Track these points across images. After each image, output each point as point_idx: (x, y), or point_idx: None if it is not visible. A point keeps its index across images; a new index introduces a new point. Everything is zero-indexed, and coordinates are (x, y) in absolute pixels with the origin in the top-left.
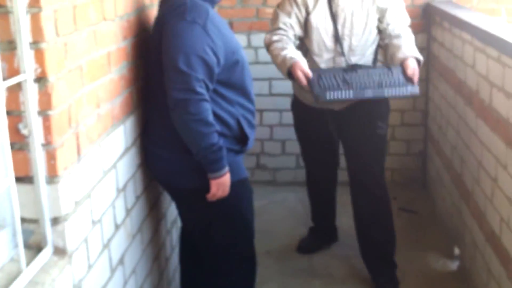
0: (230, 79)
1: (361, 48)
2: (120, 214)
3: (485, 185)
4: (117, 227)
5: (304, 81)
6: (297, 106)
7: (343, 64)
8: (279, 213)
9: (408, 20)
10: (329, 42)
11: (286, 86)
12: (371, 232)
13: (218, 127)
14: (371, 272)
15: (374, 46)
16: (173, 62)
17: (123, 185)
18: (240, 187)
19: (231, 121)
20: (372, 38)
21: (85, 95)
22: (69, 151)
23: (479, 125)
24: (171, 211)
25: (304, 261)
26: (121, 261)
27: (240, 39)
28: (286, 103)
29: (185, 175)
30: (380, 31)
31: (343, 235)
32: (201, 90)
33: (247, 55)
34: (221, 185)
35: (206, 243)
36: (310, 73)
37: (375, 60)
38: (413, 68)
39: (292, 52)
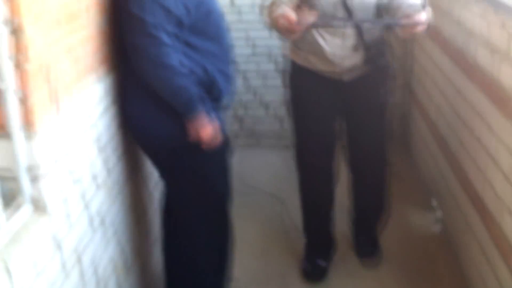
0: (203, 29)
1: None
2: (101, 173)
3: (470, 146)
4: (98, 187)
5: (287, 22)
6: (300, 77)
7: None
8: (264, 176)
9: None
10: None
11: (270, 47)
12: (368, 211)
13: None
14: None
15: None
16: (129, 7)
17: (104, 144)
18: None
19: (201, 71)
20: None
21: (63, 49)
22: (47, 106)
23: (465, 84)
24: (154, 173)
25: (289, 224)
26: (102, 222)
27: None
28: (270, 65)
29: (155, 131)
30: None
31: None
32: (159, 34)
33: (230, 15)
34: (198, 127)
35: (174, 200)
36: (294, 17)
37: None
38: (418, 19)
39: (281, 10)
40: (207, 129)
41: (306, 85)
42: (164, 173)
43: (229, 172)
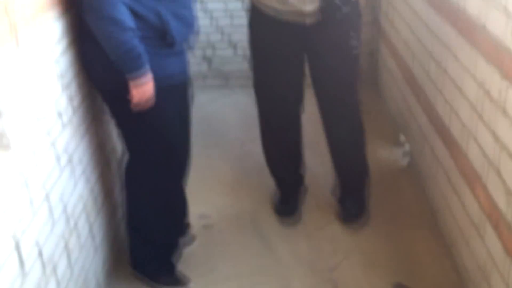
0: None
1: None
2: (67, 111)
3: (437, 78)
4: (64, 125)
5: None
6: (259, 20)
7: None
8: (232, 115)
9: None
10: None
11: None
12: (347, 163)
13: (138, 26)
14: (341, 196)
15: None
16: None
17: (69, 81)
18: (162, 91)
19: (151, 15)
20: None
21: None
22: (6, 38)
23: (432, 17)
24: None
25: (257, 160)
26: (70, 160)
27: None
28: (237, 3)
29: (104, 74)
30: None
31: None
32: None
33: None
34: (139, 87)
35: (127, 145)
36: None
37: None
38: None
39: None
40: (147, 91)
41: (265, 29)
42: (116, 118)
43: (186, 119)
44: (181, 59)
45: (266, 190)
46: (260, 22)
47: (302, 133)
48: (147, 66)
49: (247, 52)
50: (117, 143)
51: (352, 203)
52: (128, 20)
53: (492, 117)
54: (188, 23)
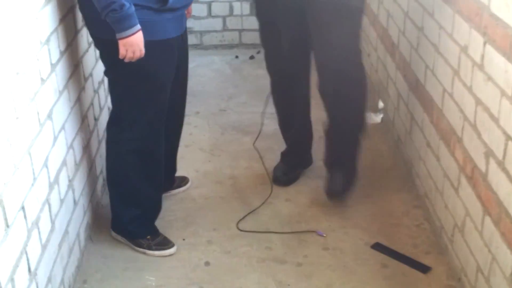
0: None
1: None
2: (45, 68)
3: (411, 35)
4: (42, 81)
5: None
6: None
7: None
8: (207, 75)
9: None
10: None
11: None
12: (343, 120)
13: None
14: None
15: None
16: None
17: (46, 38)
18: (150, 48)
19: None
20: None
21: None
22: None
23: None
24: (98, 71)
25: (234, 119)
26: (49, 116)
27: None
28: None
29: (93, 23)
30: None
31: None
32: None
33: None
34: (128, 45)
35: (112, 94)
36: None
37: None
38: None
39: None
40: (137, 49)
41: None
42: (106, 65)
43: (180, 78)
44: (178, 22)
45: (244, 150)
46: None
47: (310, 86)
48: (137, 27)
49: (221, 12)
50: (95, 97)
51: (339, 176)
52: None
53: (468, 73)
54: None
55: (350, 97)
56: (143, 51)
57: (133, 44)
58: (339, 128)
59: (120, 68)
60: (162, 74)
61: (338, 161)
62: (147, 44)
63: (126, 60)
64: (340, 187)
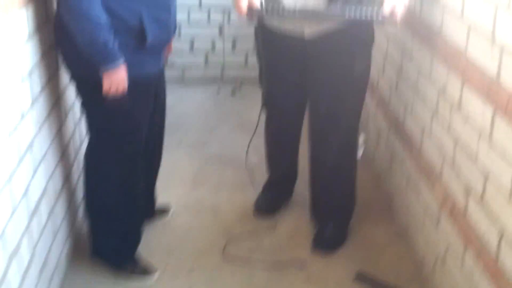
0: None
1: None
2: (26, 102)
3: (390, 75)
4: (23, 116)
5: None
6: (262, 31)
7: None
8: (189, 109)
9: None
10: None
11: None
12: (330, 194)
13: (113, 22)
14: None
15: None
16: None
17: (28, 72)
18: (134, 86)
19: (130, 17)
20: None
21: None
22: None
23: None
24: (79, 104)
25: (216, 151)
26: (30, 148)
27: None
28: (195, 1)
29: (74, 62)
30: None
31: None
32: None
33: None
34: (112, 79)
35: (89, 127)
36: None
37: None
38: (392, 5)
39: None
40: (120, 83)
41: (268, 42)
42: (83, 101)
43: (158, 114)
44: (156, 59)
45: (226, 181)
46: (264, 33)
47: (301, 136)
48: (121, 60)
49: (203, 47)
50: (76, 129)
51: (329, 233)
52: (103, 17)
53: (446, 114)
54: (168, 28)
55: (338, 159)
56: (126, 85)
57: (117, 78)
58: (328, 203)
59: (96, 105)
60: (138, 111)
61: (327, 215)
62: (131, 81)
63: (110, 96)
64: (330, 243)
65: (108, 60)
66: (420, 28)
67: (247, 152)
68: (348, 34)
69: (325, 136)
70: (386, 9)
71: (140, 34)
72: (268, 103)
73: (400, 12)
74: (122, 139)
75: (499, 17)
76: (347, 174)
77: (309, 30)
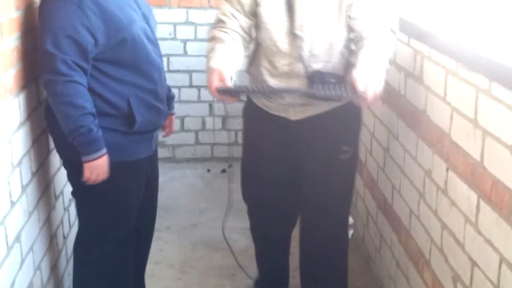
0: (118, 58)
1: (326, 52)
2: (16, 190)
3: (378, 155)
4: (12, 204)
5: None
6: (251, 110)
7: (300, 71)
8: (179, 189)
9: (388, 23)
10: (284, 43)
11: (183, 62)
12: (320, 284)
13: (101, 106)
14: None
15: (341, 48)
16: (42, 44)
17: (19, 160)
18: (118, 169)
19: (119, 101)
20: (341, 39)
21: None
22: None
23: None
24: (69, 188)
25: (205, 235)
26: (17, 239)
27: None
28: (184, 79)
29: (61, 145)
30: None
31: None
32: (68, 71)
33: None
34: (93, 168)
35: (79, 217)
36: (226, 81)
37: (347, 66)
38: (364, 83)
39: (218, 57)
40: (101, 172)
41: (255, 119)
42: (72, 186)
43: (147, 198)
44: (147, 144)
45: (215, 265)
46: (251, 112)
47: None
48: (103, 150)
49: (194, 126)
50: (64, 216)
51: None
52: (89, 105)
53: (433, 197)
54: (160, 114)
55: (329, 252)
56: (107, 174)
57: (98, 167)
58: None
59: (87, 189)
60: (129, 195)
61: None
62: (115, 165)
63: (90, 183)
64: None
65: (91, 150)
66: (405, 109)
67: (223, 233)
68: (335, 117)
69: (314, 224)
70: (359, 87)
71: (129, 118)
72: (249, 196)
73: (373, 90)
74: (112, 223)
75: (480, 101)
76: (337, 264)
77: (294, 113)
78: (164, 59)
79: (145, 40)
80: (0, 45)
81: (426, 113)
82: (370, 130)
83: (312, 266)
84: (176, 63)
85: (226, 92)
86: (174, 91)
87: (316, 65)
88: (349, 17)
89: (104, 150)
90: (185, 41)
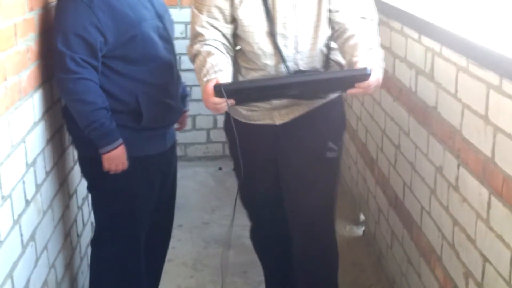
0: (128, 55)
1: (310, 47)
2: (30, 189)
3: (389, 152)
4: (27, 202)
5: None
6: (232, 125)
7: (285, 71)
8: (191, 187)
9: (370, 12)
10: (266, 43)
11: None
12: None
13: (110, 102)
14: None
15: (322, 45)
16: (54, 42)
17: (33, 160)
18: (130, 164)
19: (127, 97)
20: (324, 33)
21: None
22: None
23: (382, 95)
24: (82, 187)
25: (218, 232)
26: (32, 237)
27: None
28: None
29: (77, 140)
30: (332, 25)
31: None
32: (78, 68)
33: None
34: (111, 159)
35: (94, 213)
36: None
37: (327, 62)
38: (367, 85)
39: (212, 69)
40: (119, 163)
41: (237, 134)
42: (89, 181)
43: (165, 197)
44: (160, 140)
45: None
46: (236, 129)
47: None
48: (119, 141)
49: (205, 125)
50: (78, 215)
51: None
52: (100, 100)
53: (444, 193)
54: (171, 111)
55: (318, 254)
56: (126, 164)
57: (115, 158)
58: None
59: (99, 185)
60: (140, 191)
61: None
62: (129, 162)
63: (111, 173)
64: None
65: (105, 142)
66: (416, 105)
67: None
68: (319, 115)
69: (301, 227)
70: (363, 65)
71: (137, 114)
72: (246, 199)
73: (376, 74)
74: (125, 219)
75: (491, 97)
76: (328, 264)
77: (279, 117)
78: None
79: (156, 38)
80: (15, 46)
81: (437, 109)
82: (381, 127)
83: (301, 270)
84: (188, 62)
85: (226, 90)
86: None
87: (301, 63)
88: (330, 10)
89: (119, 141)
90: None
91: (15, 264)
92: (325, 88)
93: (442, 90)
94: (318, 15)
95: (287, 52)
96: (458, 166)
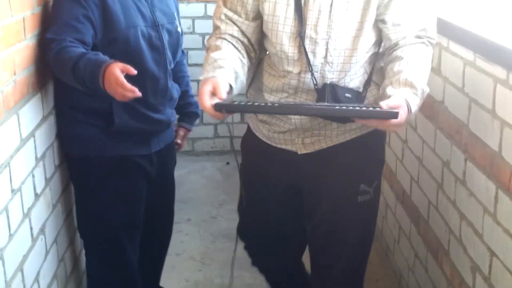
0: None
1: (345, 60)
2: (40, 183)
3: (396, 147)
4: (37, 196)
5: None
6: (252, 144)
7: (310, 83)
8: (198, 181)
9: (430, 30)
10: (291, 46)
11: (201, 56)
12: None
13: (85, 101)
14: None
15: (364, 60)
16: (44, 35)
17: (42, 153)
18: (87, 164)
19: (102, 101)
20: (365, 46)
21: (1, 62)
22: None
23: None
24: None
25: (225, 227)
26: (42, 231)
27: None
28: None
29: (64, 139)
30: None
31: None
32: (61, 41)
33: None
34: (108, 81)
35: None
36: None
37: (367, 82)
38: (387, 124)
39: (212, 66)
40: (111, 88)
41: (255, 156)
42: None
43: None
44: (137, 143)
45: (236, 257)
46: (251, 144)
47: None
48: (105, 63)
49: (212, 119)
50: None
51: None
52: (78, 50)
53: (452, 187)
54: (150, 123)
55: None
56: (120, 79)
57: (109, 77)
58: None
59: (78, 184)
60: (114, 191)
61: None
62: (96, 159)
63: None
64: None
65: (92, 79)
66: (423, 100)
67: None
68: (352, 150)
69: (325, 273)
70: (390, 106)
71: (111, 119)
72: (251, 232)
73: (405, 113)
74: (100, 219)
75: (498, 91)
76: None
77: (302, 146)
78: None
79: (144, 47)
80: (23, 41)
81: (444, 104)
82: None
83: None
84: (195, 57)
85: (226, 109)
86: (193, 84)
87: (330, 76)
88: (384, 21)
89: (106, 63)
90: (203, 35)
91: (25, 257)
92: (340, 118)
93: (449, 84)
94: (362, 22)
95: (315, 61)
96: (465, 160)
